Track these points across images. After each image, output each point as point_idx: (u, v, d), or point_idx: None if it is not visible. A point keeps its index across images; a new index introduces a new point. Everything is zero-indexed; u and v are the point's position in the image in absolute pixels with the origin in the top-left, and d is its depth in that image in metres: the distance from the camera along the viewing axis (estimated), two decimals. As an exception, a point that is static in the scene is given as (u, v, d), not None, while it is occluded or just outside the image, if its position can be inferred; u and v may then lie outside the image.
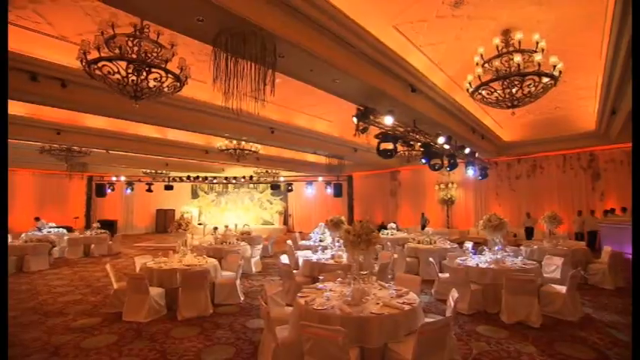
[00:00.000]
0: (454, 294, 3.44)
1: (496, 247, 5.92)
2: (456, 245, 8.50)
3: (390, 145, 7.43)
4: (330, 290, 3.69)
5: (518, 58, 4.82)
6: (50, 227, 12.32)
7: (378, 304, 3.31)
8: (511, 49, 5.06)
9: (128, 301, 5.05)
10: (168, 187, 17.81)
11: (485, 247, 6.28)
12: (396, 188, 17.07)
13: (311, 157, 15.05)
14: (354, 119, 6.45)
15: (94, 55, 4.21)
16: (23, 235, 10.25)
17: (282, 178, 18.47)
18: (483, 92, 5.24)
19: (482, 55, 5.18)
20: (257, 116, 4.89)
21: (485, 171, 11.37)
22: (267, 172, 17.93)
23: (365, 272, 3.55)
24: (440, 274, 6.12)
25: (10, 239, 9.90)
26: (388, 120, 6.58)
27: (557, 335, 4.41)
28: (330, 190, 17.72)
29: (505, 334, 4.47)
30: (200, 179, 17.73)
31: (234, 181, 18.26)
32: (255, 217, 20.36)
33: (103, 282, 7.36)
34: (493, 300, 5.24)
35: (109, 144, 11.20)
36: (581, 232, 11.17)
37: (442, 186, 15.32)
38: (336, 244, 6.75)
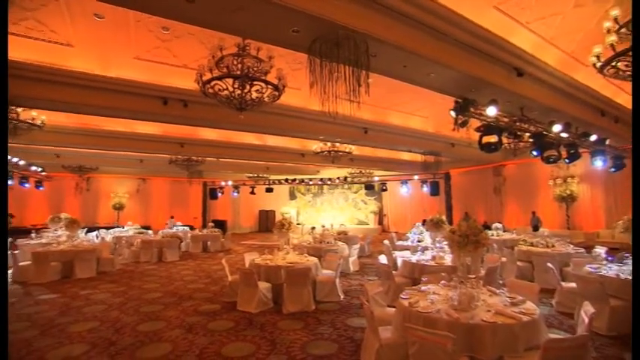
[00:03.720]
0: (588, 308, 2.94)
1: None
2: (581, 250, 7.25)
3: (493, 138, 6.75)
4: (434, 293, 3.53)
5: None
6: (178, 226, 14.54)
7: (489, 311, 3.04)
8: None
9: (241, 292, 5.64)
10: (269, 190, 19.41)
11: (626, 254, 5.21)
12: (501, 185, 15.36)
13: (405, 156, 14.63)
14: (452, 113, 6.05)
15: (207, 76, 4.85)
16: (160, 232, 12.34)
17: (376, 178, 18.37)
18: (620, 65, 4.32)
19: (616, 19, 4.27)
20: (351, 117, 4.96)
21: (620, 161, 9.43)
22: (361, 172, 18.03)
23: (472, 276, 3.29)
24: (562, 283, 5.30)
25: (151, 235, 12.12)
26: (491, 111, 6.00)
27: None
28: (426, 189, 16.91)
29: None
30: (297, 181, 18.83)
31: (329, 182, 18.87)
32: (350, 218, 20.67)
33: (219, 274, 8.34)
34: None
35: (219, 152, 12.72)
36: None
37: (559, 181, 13.14)
38: (437, 244, 6.42)
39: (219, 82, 4.85)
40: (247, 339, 4.39)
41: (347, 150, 11.70)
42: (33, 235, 10.60)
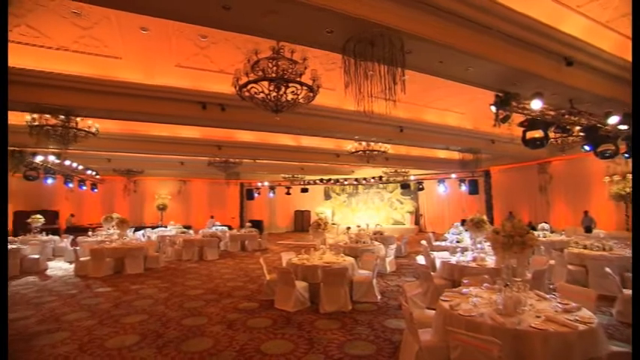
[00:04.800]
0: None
1: None
2: (644, 253, 6.63)
3: (538, 133, 6.39)
4: (477, 296, 3.39)
5: None
6: (217, 225, 15.09)
7: (538, 317, 2.86)
8: None
9: (278, 291, 5.75)
10: (304, 190, 19.63)
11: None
12: (547, 183, 14.40)
13: (442, 154, 14.20)
14: (493, 108, 5.79)
15: (243, 80, 4.99)
16: (200, 231, 12.88)
17: (412, 177, 17.98)
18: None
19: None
20: (385, 116, 4.89)
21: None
22: (396, 171, 17.73)
23: (518, 279, 3.12)
24: (624, 290, 4.87)
25: (192, 234, 12.70)
26: (536, 104, 5.68)
27: None
28: (464, 188, 16.30)
29: None
30: (332, 181, 18.87)
31: (364, 182, 18.75)
32: (386, 217, 20.39)
33: (257, 273, 8.55)
34: None
35: (255, 154, 13.04)
36: None
37: (616, 177, 12.09)
38: (478, 245, 6.16)
39: (255, 85, 4.97)
40: (285, 337, 4.46)
41: (382, 149, 11.55)
42: (90, 233, 11.62)
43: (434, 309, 3.74)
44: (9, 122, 8.09)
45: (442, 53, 4.73)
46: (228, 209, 20.67)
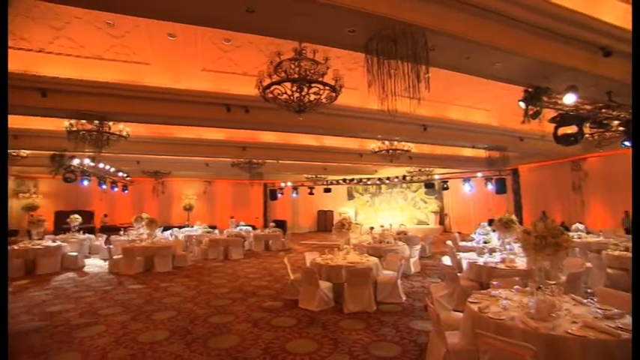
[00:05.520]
0: None
1: None
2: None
3: (572, 129, 6.10)
4: (507, 299, 3.28)
5: None
6: (241, 225, 15.37)
7: (575, 322, 2.73)
8: None
9: (302, 291, 5.78)
10: (327, 190, 19.64)
11: None
12: (581, 181, 13.68)
13: (467, 152, 13.83)
14: (521, 104, 5.59)
15: (266, 81, 5.05)
16: (225, 231, 13.16)
17: (436, 176, 17.61)
18: None
19: None
20: (409, 115, 4.80)
21: None
22: (420, 170, 17.42)
23: (553, 282, 2.99)
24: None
25: (217, 234, 13.00)
26: (569, 98, 5.42)
27: None
28: (491, 187, 15.77)
29: None
30: (355, 181, 18.79)
31: (387, 182, 18.56)
32: (410, 217, 20.09)
33: (281, 272, 8.64)
34: None
35: (278, 155, 13.17)
36: None
37: (660, 175, 11.38)
38: (507, 246, 5.96)
39: (278, 86, 5.02)
40: (310, 336, 4.49)
41: (405, 148, 11.38)
42: (121, 232, 12.16)
43: (460, 311, 3.65)
44: (51, 129, 8.72)
45: (467, 48, 4.60)
46: (251, 209, 20.99)
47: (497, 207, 15.33)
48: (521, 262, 5.40)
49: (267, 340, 4.36)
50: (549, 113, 5.83)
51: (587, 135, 6.60)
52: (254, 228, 15.93)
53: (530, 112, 5.58)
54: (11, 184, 16.73)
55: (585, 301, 3.18)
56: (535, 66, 5.17)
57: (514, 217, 6.13)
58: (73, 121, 7.30)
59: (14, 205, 16.83)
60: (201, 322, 5.09)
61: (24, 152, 11.34)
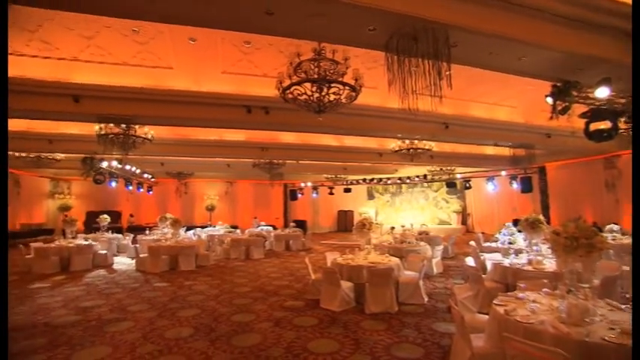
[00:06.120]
0: None
1: None
2: None
3: (605, 124, 5.82)
4: (535, 302, 3.16)
5: None
6: (262, 225, 15.55)
7: (612, 329, 2.58)
8: None
9: (324, 291, 5.78)
10: (347, 190, 19.60)
11: None
12: (615, 179, 12.99)
13: (490, 150, 13.46)
14: (549, 99, 5.38)
15: (286, 82, 5.08)
16: (247, 231, 13.35)
17: (458, 175, 17.22)
18: None
19: None
20: (430, 113, 4.72)
21: None
22: (441, 169, 17.09)
23: (586, 285, 2.86)
24: None
25: (239, 234, 13.21)
26: (602, 92, 5.16)
27: None
28: (516, 186, 15.26)
29: None
30: (375, 181, 18.65)
31: (407, 181, 18.32)
32: (431, 217, 19.75)
33: (301, 272, 8.68)
34: None
35: (298, 155, 13.25)
36: None
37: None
38: (534, 247, 5.75)
39: (297, 87, 5.04)
40: (331, 336, 4.49)
41: (426, 147, 11.20)
42: (147, 232, 12.59)
43: (485, 313, 3.56)
44: (82, 133, 9.13)
45: (490, 43, 4.48)
46: (272, 209, 21.20)
47: (523, 206, 14.82)
48: (549, 264, 5.20)
49: (289, 340, 4.39)
50: (579, 108, 5.58)
51: (621, 130, 6.26)
52: (274, 228, 16.08)
53: (559, 108, 5.36)
54: (47, 185, 17.72)
55: (623, 307, 3.01)
56: (565, 59, 4.96)
57: (541, 217, 5.90)
58: (102, 125, 7.62)
59: (50, 205, 17.82)
60: (225, 320, 5.18)
61: (59, 156, 11.94)
